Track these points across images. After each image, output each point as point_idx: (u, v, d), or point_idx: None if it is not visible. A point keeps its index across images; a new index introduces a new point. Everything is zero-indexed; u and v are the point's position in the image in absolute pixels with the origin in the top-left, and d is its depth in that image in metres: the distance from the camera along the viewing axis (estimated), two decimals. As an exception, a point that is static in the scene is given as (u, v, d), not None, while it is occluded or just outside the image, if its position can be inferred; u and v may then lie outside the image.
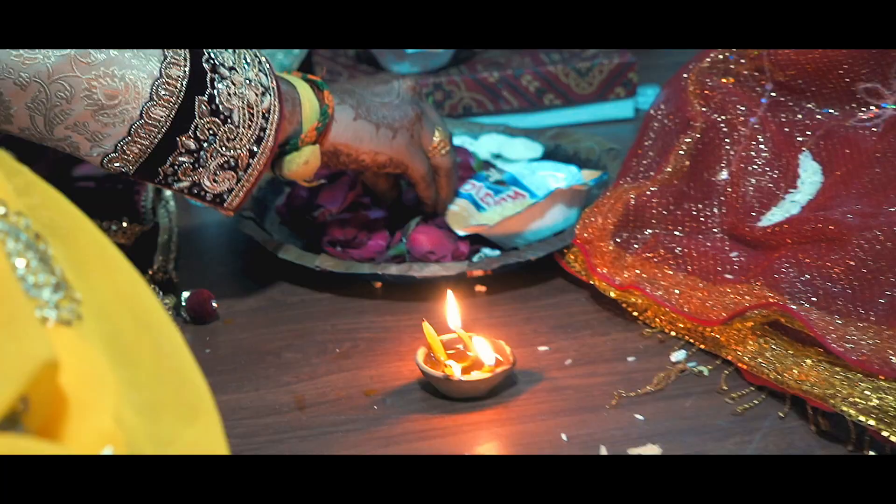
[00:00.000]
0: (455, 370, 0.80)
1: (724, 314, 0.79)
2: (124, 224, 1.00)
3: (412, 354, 0.83)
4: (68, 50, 0.73)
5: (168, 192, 1.09)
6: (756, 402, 0.78)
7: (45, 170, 0.99)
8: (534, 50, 1.31)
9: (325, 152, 0.88)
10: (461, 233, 0.95)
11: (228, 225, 1.05)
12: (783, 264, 0.76)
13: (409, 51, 1.28)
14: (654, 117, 0.94)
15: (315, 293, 0.95)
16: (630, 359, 0.83)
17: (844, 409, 0.69)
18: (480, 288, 0.93)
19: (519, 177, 1.02)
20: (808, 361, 0.76)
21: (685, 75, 0.92)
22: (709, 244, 0.86)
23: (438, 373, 0.80)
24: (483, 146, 1.16)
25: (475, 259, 0.94)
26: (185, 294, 0.94)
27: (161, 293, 0.95)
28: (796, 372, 0.76)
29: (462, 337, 0.83)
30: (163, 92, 0.76)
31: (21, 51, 0.72)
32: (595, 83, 1.25)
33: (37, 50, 0.72)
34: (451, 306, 0.84)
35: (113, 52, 0.74)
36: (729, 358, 0.81)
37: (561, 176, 0.98)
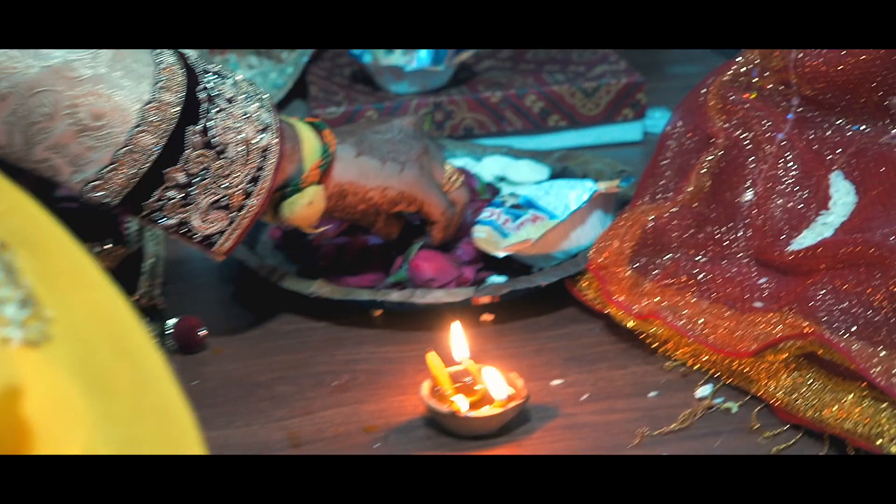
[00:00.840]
0: (462, 405, 0.75)
1: (754, 345, 0.73)
2: (108, 247, 0.95)
3: (416, 388, 0.78)
4: (52, 61, 0.68)
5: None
6: (791, 442, 0.72)
7: (27, 189, 0.94)
8: (538, 69, 1.27)
9: (331, 194, 0.83)
10: (501, 254, 0.90)
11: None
12: (818, 291, 0.71)
13: (408, 69, 1.23)
14: (670, 135, 0.90)
15: (311, 322, 0.90)
16: (651, 394, 0.78)
17: (894, 450, 0.64)
18: (487, 316, 0.89)
19: (534, 199, 0.98)
20: (850, 397, 0.70)
21: (704, 90, 0.88)
22: (734, 269, 0.81)
23: (444, 408, 0.74)
24: (486, 168, 1.12)
25: (481, 286, 0.88)
26: (171, 321, 0.88)
27: (146, 320, 0.89)
28: (836, 409, 0.70)
29: (470, 369, 0.77)
30: (153, 117, 0.72)
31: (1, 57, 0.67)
32: (602, 104, 1.21)
33: (18, 58, 0.67)
34: (457, 336, 0.79)
35: (102, 69, 0.70)
36: (760, 394, 0.75)
37: (583, 190, 0.93)
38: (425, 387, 0.76)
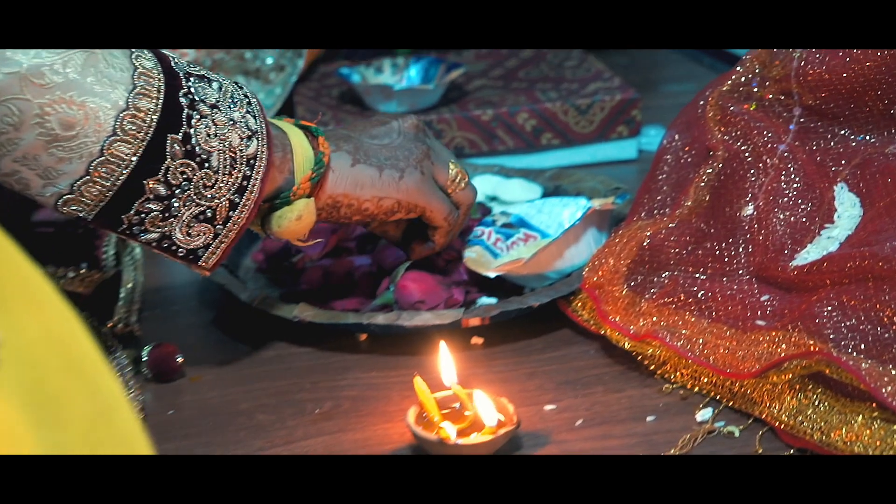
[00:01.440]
0: (451, 432, 0.72)
1: (756, 366, 0.70)
2: (82, 271, 0.93)
3: (402, 415, 0.75)
4: (18, 67, 0.65)
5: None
6: None
7: (2, 212, 0.93)
8: (530, 87, 1.24)
9: (323, 206, 0.80)
10: (491, 274, 0.87)
11: (198, 275, 0.95)
12: (825, 307, 0.68)
13: (397, 87, 1.21)
14: (667, 150, 0.87)
15: (293, 347, 0.88)
16: (649, 418, 0.75)
17: (908, 473, 0.60)
18: (477, 339, 0.86)
19: (526, 217, 0.95)
20: (860, 419, 0.67)
21: (702, 102, 0.85)
22: (735, 287, 0.78)
23: (432, 435, 0.71)
24: (477, 188, 1.08)
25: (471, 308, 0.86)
26: (147, 348, 0.85)
27: (121, 347, 0.86)
28: (845, 431, 0.67)
29: (459, 394, 0.74)
30: (129, 126, 0.68)
31: None
32: (596, 121, 1.18)
33: None
34: (446, 359, 0.77)
35: (73, 74, 0.66)
36: (763, 416, 0.72)
37: (577, 207, 0.90)
38: (411, 413, 0.74)
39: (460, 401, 0.75)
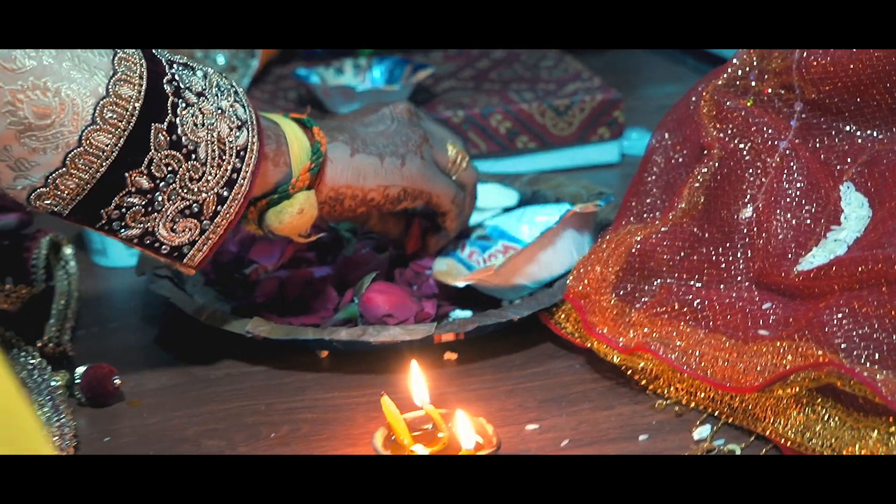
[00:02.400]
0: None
1: (760, 379, 0.69)
2: (8, 286, 0.89)
3: (367, 438, 0.72)
4: None
5: (68, 251, 0.99)
6: None
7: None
8: (503, 88, 1.23)
9: (325, 200, 0.79)
10: (460, 284, 0.85)
11: (141, 288, 0.93)
12: (834, 315, 0.66)
13: (360, 89, 1.19)
14: (657, 149, 0.86)
15: (246, 366, 0.85)
16: (642, 437, 0.73)
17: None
18: (451, 355, 0.84)
19: (504, 227, 0.94)
20: (875, 434, 0.65)
21: (695, 98, 0.84)
22: (734, 294, 0.76)
23: None
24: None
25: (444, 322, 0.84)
26: (81, 369, 0.82)
27: (50, 369, 0.83)
28: (858, 448, 0.65)
29: (432, 415, 0.72)
30: (109, 114, 0.66)
31: None
32: (575, 123, 1.17)
33: None
34: (417, 378, 0.74)
35: (47, 59, 0.64)
36: (767, 434, 0.71)
37: (558, 212, 0.88)
38: (379, 436, 0.71)
39: (433, 422, 0.72)
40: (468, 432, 0.70)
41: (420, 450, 0.70)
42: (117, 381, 0.82)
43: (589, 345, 0.80)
